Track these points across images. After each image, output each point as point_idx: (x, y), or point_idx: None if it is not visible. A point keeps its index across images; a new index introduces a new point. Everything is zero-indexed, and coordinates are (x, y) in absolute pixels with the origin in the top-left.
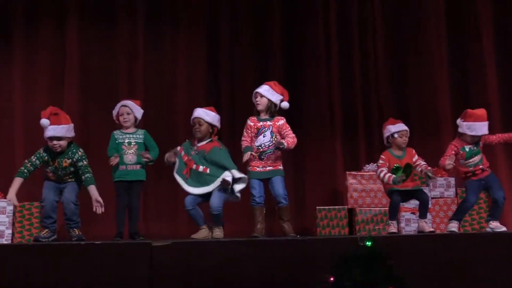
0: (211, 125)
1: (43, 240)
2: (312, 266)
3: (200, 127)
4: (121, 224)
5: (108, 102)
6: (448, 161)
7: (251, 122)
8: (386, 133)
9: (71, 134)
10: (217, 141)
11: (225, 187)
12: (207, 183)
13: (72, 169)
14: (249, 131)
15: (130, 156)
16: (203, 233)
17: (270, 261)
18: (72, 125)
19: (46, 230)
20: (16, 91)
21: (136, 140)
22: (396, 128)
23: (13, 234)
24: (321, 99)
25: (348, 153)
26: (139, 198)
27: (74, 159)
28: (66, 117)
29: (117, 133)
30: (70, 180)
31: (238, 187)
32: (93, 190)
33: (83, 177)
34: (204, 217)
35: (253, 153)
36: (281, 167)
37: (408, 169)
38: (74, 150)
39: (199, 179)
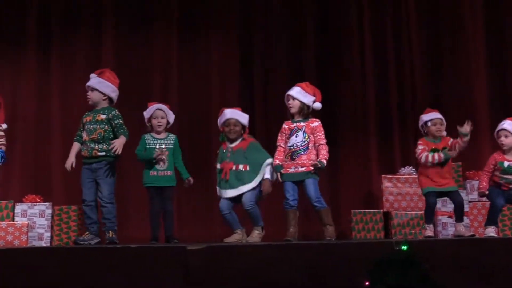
0: (244, 126)
1: (82, 242)
2: (346, 270)
3: (235, 128)
4: (155, 228)
5: (142, 106)
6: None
7: (285, 125)
8: (420, 123)
9: (105, 90)
10: (249, 137)
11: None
12: (247, 181)
13: (104, 127)
14: (283, 134)
15: (161, 162)
16: (236, 237)
17: (303, 265)
18: (112, 86)
19: (87, 232)
20: (54, 96)
21: (167, 146)
22: (428, 117)
23: (52, 237)
24: (355, 100)
25: (383, 156)
26: (172, 202)
27: (110, 115)
28: (110, 77)
29: (148, 137)
30: (101, 156)
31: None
32: (121, 138)
33: (117, 133)
34: (239, 220)
35: (281, 171)
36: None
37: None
38: (111, 109)
39: (238, 179)
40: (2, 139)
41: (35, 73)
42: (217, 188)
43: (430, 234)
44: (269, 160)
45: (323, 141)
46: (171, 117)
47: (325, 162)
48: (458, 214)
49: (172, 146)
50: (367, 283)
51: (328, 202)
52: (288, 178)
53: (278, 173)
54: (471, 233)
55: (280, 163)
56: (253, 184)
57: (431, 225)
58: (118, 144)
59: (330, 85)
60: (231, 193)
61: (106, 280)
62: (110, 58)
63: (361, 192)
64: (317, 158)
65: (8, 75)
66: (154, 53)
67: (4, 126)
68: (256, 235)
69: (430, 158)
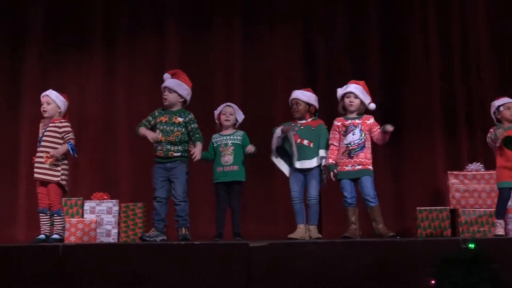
0: (308, 105)
1: (148, 239)
2: (412, 268)
3: (297, 107)
4: (220, 225)
5: (206, 102)
6: None
7: (338, 122)
8: (492, 110)
9: (183, 92)
10: (321, 120)
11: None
12: (309, 158)
13: (181, 130)
14: (336, 132)
15: (226, 157)
16: (300, 233)
17: (368, 262)
18: (188, 88)
19: (153, 229)
20: (119, 96)
21: (233, 141)
22: (500, 102)
23: (118, 233)
24: (420, 95)
25: (449, 152)
26: (239, 199)
27: (187, 118)
28: (186, 79)
29: (215, 136)
30: (176, 156)
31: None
32: (198, 145)
33: (193, 137)
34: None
35: (336, 170)
36: (370, 167)
37: None
38: (187, 112)
39: (301, 154)
40: (70, 134)
41: (101, 74)
42: (274, 159)
43: (500, 233)
44: (323, 153)
45: None
46: (240, 116)
47: (392, 126)
48: None
49: (240, 142)
50: (433, 282)
51: (391, 199)
52: (345, 176)
53: (332, 172)
54: None
55: (334, 162)
56: (314, 163)
57: (502, 221)
58: (198, 152)
59: (393, 80)
60: (298, 165)
61: (170, 276)
62: (173, 59)
63: (427, 189)
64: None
65: (76, 77)
66: (217, 53)
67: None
68: (315, 230)
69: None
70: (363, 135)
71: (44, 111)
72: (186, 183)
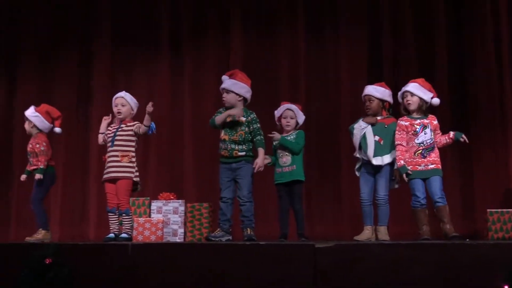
0: (382, 101)
1: (213, 239)
2: (483, 272)
3: (370, 104)
4: (284, 225)
5: (270, 104)
6: None
7: (405, 122)
8: None
9: (240, 91)
10: (395, 118)
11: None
12: (379, 155)
13: (244, 129)
14: (404, 132)
15: (284, 158)
16: (366, 235)
17: (437, 265)
18: (246, 86)
19: (219, 229)
20: (186, 98)
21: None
22: None
23: (185, 233)
24: (491, 93)
25: None
26: (300, 199)
27: (250, 118)
28: (243, 77)
29: None
30: (241, 156)
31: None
32: (260, 153)
33: (254, 139)
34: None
35: (409, 171)
36: (440, 167)
37: None
38: (249, 112)
39: (375, 150)
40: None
41: (168, 75)
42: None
43: None
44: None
45: None
46: (301, 118)
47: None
48: None
49: (294, 141)
50: (506, 287)
51: (460, 200)
52: (418, 175)
53: (404, 174)
54: None
55: (404, 163)
56: (385, 160)
57: None
58: (260, 162)
59: (462, 75)
60: (374, 160)
61: (235, 276)
62: (238, 60)
63: (498, 190)
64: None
65: (144, 79)
66: (281, 53)
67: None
68: (384, 232)
69: None
70: (432, 134)
71: (119, 112)
72: (251, 184)
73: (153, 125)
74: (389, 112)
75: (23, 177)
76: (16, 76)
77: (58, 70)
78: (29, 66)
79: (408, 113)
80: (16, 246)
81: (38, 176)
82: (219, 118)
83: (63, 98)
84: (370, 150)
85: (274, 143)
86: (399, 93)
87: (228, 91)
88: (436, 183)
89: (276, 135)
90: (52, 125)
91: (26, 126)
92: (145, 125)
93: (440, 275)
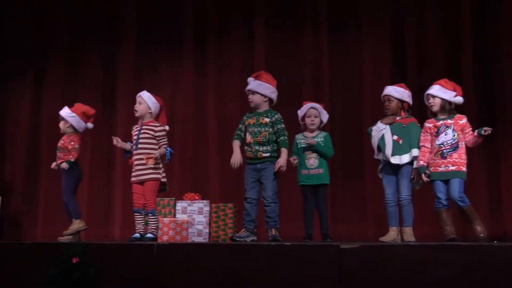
0: (401, 101)
1: (238, 239)
2: (510, 274)
3: (389, 104)
4: (309, 226)
5: (293, 105)
6: None
7: (429, 124)
8: None
9: (265, 92)
10: (414, 118)
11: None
12: (398, 154)
13: (268, 130)
14: (428, 133)
15: (311, 160)
16: (392, 236)
17: (463, 267)
18: (271, 87)
19: (243, 229)
20: (210, 98)
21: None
22: None
23: (209, 233)
24: None
25: None
26: (325, 201)
27: (274, 118)
28: (268, 78)
29: (299, 137)
30: (266, 157)
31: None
32: (283, 153)
33: (279, 139)
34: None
35: (427, 172)
36: (464, 168)
37: None
38: (273, 112)
39: (393, 149)
40: (164, 139)
41: (192, 75)
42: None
43: None
44: (416, 152)
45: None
46: (325, 117)
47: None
48: None
49: (322, 144)
50: None
51: (487, 200)
52: (439, 177)
53: (423, 174)
54: None
55: (425, 164)
56: (405, 159)
57: None
58: (282, 163)
59: (489, 73)
60: (392, 159)
61: (260, 277)
62: (262, 60)
63: None
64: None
65: (168, 79)
66: (305, 53)
67: (167, 127)
68: (410, 233)
69: None
70: (456, 135)
71: (135, 110)
72: (276, 184)
73: (168, 153)
74: (408, 113)
75: (54, 164)
76: (43, 77)
77: (83, 71)
78: (55, 67)
79: (435, 115)
80: (44, 245)
81: (65, 165)
82: (233, 147)
83: (88, 99)
84: (388, 150)
85: (299, 146)
86: (424, 97)
87: (253, 92)
88: (455, 186)
89: (312, 141)
90: (85, 125)
91: (62, 125)
92: (164, 145)
93: (466, 277)
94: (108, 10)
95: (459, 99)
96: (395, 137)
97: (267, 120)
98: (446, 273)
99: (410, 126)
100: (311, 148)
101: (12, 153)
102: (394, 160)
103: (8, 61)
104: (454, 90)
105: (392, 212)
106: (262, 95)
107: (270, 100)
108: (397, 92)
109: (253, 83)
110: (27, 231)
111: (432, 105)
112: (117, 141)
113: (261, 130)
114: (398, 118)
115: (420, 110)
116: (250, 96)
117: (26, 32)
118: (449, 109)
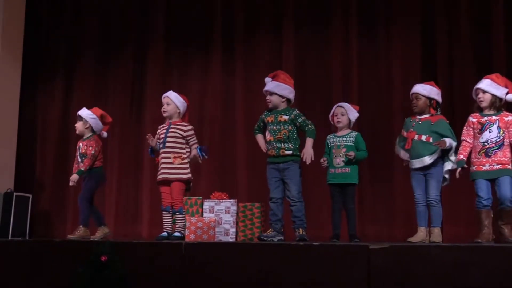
0: (429, 99)
1: (265, 239)
2: None
3: (417, 101)
4: (336, 226)
5: (323, 104)
6: None
7: (473, 118)
8: None
9: (283, 92)
10: (442, 115)
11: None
12: (426, 153)
13: (287, 127)
14: (471, 128)
15: (338, 159)
16: (420, 236)
17: (496, 269)
18: (289, 88)
19: (271, 229)
20: (238, 97)
21: (345, 143)
22: None
23: (237, 232)
24: None
25: None
26: (353, 200)
27: (292, 115)
28: (285, 79)
29: (329, 138)
30: (288, 155)
31: (448, 165)
32: (308, 142)
33: (306, 129)
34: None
35: (465, 166)
36: (510, 166)
37: None
38: (291, 109)
39: (419, 150)
40: (194, 138)
41: (221, 76)
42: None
43: None
44: (454, 144)
45: None
46: (353, 115)
47: None
48: None
49: (352, 144)
50: None
51: None
52: (482, 176)
53: (459, 168)
54: None
55: (464, 158)
56: (434, 157)
57: None
58: (307, 153)
59: None
60: (416, 163)
61: (288, 276)
62: (290, 59)
63: None
64: (510, 153)
65: (197, 78)
66: (334, 52)
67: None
68: (438, 233)
69: None
70: (501, 132)
71: (164, 111)
72: (300, 184)
73: (199, 151)
74: (436, 111)
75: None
76: (73, 78)
77: (112, 72)
78: (85, 68)
79: (481, 110)
80: (73, 243)
81: (72, 183)
82: (257, 140)
83: (116, 99)
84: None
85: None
86: (473, 91)
87: (271, 93)
88: (505, 185)
89: (352, 153)
90: (102, 129)
91: (80, 126)
92: (194, 145)
93: (497, 279)
94: (138, 11)
95: (511, 97)
96: (424, 137)
97: (285, 118)
98: (477, 275)
99: (439, 123)
100: (353, 159)
101: (42, 153)
102: (420, 163)
103: (39, 62)
104: (506, 87)
105: (422, 212)
106: (280, 96)
107: (288, 100)
108: (425, 89)
109: (270, 84)
110: (56, 229)
111: (481, 100)
112: (151, 139)
113: (280, 128)
114: (426, 115)
115: (452, 106)
116: (268, 97)
117: (58, 35)
118: (498, 106)
